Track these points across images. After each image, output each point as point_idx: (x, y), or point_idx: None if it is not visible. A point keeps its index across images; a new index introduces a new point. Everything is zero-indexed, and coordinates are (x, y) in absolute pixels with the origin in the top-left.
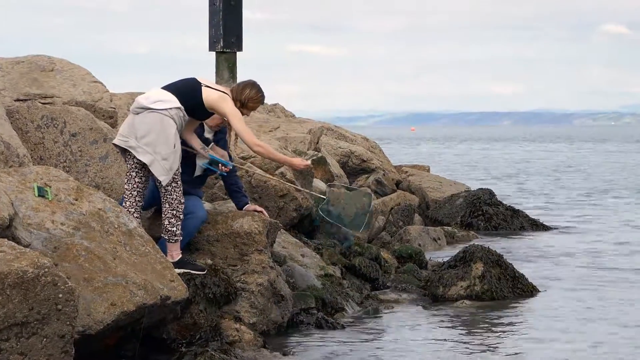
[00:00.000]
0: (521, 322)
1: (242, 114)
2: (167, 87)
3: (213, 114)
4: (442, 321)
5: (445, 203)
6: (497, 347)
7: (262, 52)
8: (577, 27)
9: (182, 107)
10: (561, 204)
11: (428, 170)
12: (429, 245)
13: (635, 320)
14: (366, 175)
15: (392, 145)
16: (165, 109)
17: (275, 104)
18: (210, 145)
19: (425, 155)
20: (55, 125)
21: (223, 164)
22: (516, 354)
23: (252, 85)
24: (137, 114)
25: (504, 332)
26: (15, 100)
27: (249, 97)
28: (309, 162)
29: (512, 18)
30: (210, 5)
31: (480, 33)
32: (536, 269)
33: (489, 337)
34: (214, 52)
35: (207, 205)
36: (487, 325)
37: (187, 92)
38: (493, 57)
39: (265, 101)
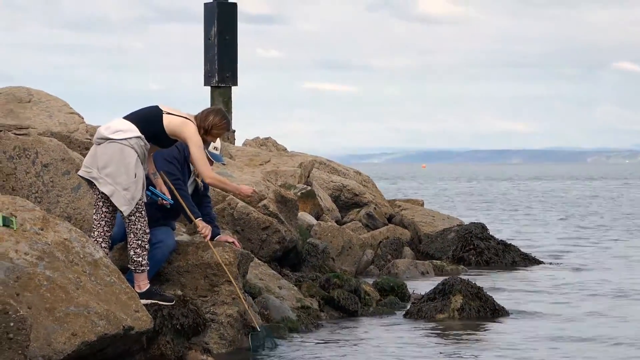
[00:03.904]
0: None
1: (207, 141)
2: (129, 116)
3: (176, 140)
4: (414, 333)
5: (437, 237)
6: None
7: (276, 90)
8: (589, 64)
9: (143, 136)
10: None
11: (422, 205)
12: (417, 279)
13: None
14: (358, 209)
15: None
16: (125, 139)
17: (267, 138)
18: (155, 174)
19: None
20: (27, 156)
21: (163, 199)
22: None
23: (217, 112)
24: (99, 144)
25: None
26: None
27: (212, 124)
28: (253, 188)
29: (523, 56)
30: (205, 40)
31: (491, 71)
32: (518, 301)
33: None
34: (209, 87)
35: (184, 237)
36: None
37: (148, 120)
38: (504, 94)
39: (260, 136)
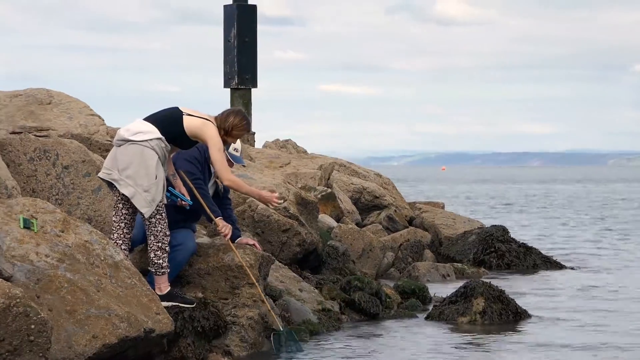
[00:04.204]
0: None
1: (227, 142)
2: (149, 118)
3: (197, 142)
4: (436, 336)
5: (457, 240)
6: None
7: (294, 91)
8: (608, 67)
9: (163, 138)
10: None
11: (442, 207)
12: (437, 282)
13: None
14: (378, 212)
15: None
16: (146, 140)
17: (287, 140)
18: (174, 175)
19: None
20: (48, 158)
21: (182, 199)
22: None
23: (237, 113)
24: (119, 146)
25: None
26: (10, 133)
27: (233, 125)
28: (277, 194)
29: (543, 58)
30: (225, 42)
31: (510, 73)
32: (540, 304)
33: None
34: (229, 89)
35: (205, 239)
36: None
37: (168, 121)
38: (523, 97)
39: (280, 138)
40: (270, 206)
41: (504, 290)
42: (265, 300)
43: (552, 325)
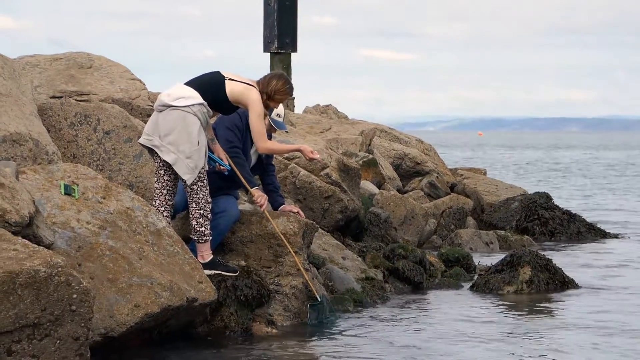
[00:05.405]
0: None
1: (269, 107)
2: (190, 83)
3: (238, 107)
4: (482, 306)
5: (500, 207)
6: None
7: (332, 57)
8: None
9: (205, 103)
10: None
11: (484, 173)
12: (480, 250)
13: None
14: (419, 178)
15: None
16: (188, 106)
17: (327, 105)
18: (213, 140)
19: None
20: (89, 123)
21: (220, 164)
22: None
23: (279, 76)
24: (160, 111)
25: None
26: (50, 98)
27: (275, 89)
28: (317, 155)
29: (581, 24)
30: (265, 6)
31: (548, 39)
32: (585, 273)
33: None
34: (269, 53)
35: (247, 206)
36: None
37: (210, 86)
38: (561, 63)
39: (320, 103)
40: (308, 159)
41: (551, 259)
42: (303, 270)
43: (599, 295)
